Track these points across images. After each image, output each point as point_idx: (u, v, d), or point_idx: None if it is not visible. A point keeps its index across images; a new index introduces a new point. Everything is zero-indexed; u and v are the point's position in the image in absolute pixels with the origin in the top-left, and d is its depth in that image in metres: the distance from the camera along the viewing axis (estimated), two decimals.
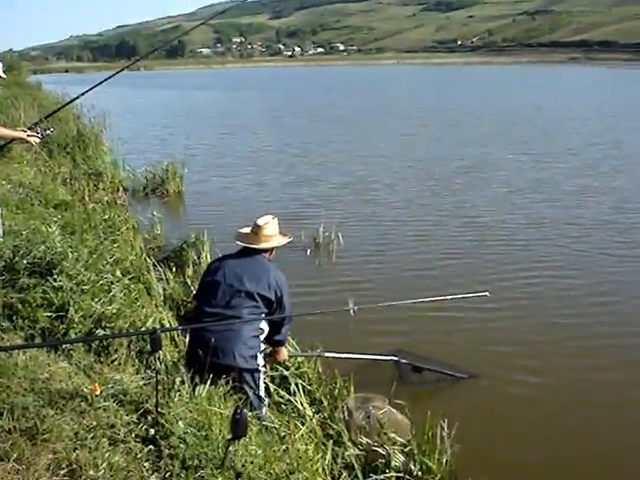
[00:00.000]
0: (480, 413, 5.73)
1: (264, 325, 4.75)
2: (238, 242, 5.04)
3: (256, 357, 4.64)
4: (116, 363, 4.90)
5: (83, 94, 8.06)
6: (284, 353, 5.24)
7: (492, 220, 12.04)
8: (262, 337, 4.74)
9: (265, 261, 4.94)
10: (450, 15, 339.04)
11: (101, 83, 7.36)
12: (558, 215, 12.36)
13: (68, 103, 8.79)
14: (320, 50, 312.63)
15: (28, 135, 6.69)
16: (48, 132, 7.47)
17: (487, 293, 5.32)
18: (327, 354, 5.88)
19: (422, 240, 10.88)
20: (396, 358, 6.34)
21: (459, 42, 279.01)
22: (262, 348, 4.77)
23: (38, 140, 6.83)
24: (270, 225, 4.97)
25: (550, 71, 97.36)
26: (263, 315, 4.70)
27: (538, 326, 7.52)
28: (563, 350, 6.97)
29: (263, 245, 4.93)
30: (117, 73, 7.97)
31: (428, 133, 24.37)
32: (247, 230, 5.05)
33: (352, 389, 5.49)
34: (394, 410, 5.26)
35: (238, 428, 2.85)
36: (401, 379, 6.18)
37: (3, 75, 6.95)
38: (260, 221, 4.97)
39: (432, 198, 13.66)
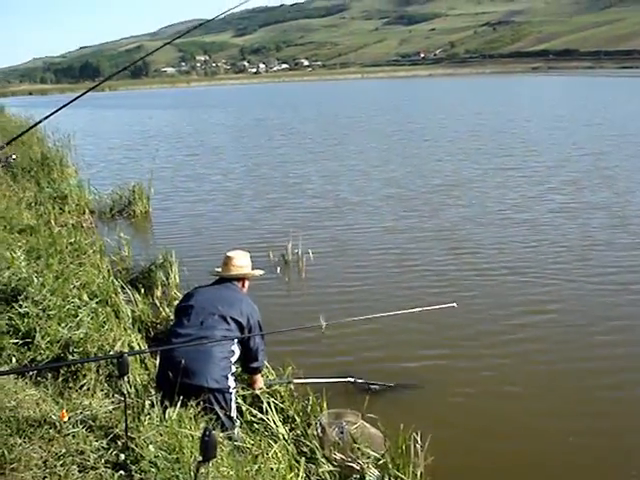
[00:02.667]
0: (452, 423, 5.73)
1: (235, 348, 4.80)
2: (212, 275, 5.33)
3: (227, 378, 4.64)
4: (85, 388, 4.84)
5: (46, 118, 7.97)
6: (260, 381, 5.35)
7: (467, 238, 11.61)
8: (233, 359, 4.77)
9: (238, 290, 5.14)
10: (412, 28, 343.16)
11: (65, 106, 7.29)
12: (545, 235, 11.61)
13: (30, 128, 8.68)
14: (285, 66, 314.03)
15: None
16: (10, 160, 7.49)
17: (455, 304, 5.35)
18: (296, 380, 5.94)
19: (393, 256, 10.75)
20: (352, 379, 6.35)
21: (422, 55, 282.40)
22: (233, 370, 4.78)
23: None
24: (240, 256, 5.27)
25: (514, 81, 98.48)
26: (235, 331, 4.77)
27: (504, 342, 7.45)
28: (526, 359, 6.98)
29: (233, 273, 5.17)
30: (81, 95, 7.90)
31: (401, 148, 24.01)
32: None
33: (325, 405, 5.48)
34: (367, 424, 5.26)
35: (208, 450, 2.84)
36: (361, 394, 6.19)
37: None
38: (230, 252, 5.30)
39: (405, 215, 13.42)
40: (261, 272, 5.49)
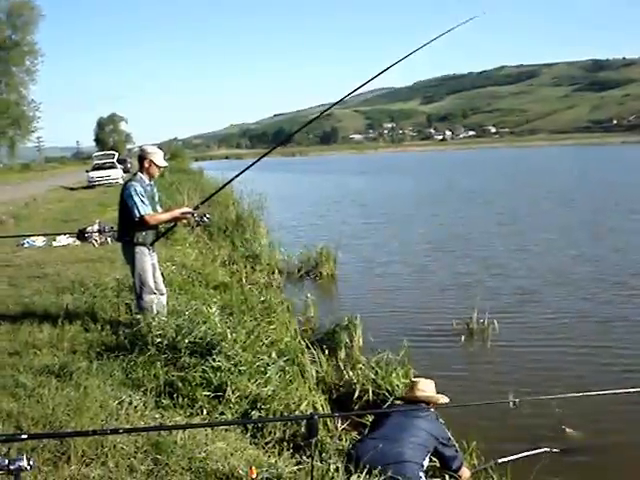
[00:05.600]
0: None
1: (427, 458, 5.06)
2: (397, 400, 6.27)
3: (419, 475, 4.83)
4: (270, 446, 4.91)
5: (233, 179, 8.60)
6: (466, 472, 5.37)
7: None
8: (425, 462, 4.99)
9: (425, 409, 5.45)
10: (604, 94, 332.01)
11: (245, 170, 7.89)
12: None
13: (218, 190, 9.30)
14: (471, 133, 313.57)
15: (182, 213, 7.26)
16: (205, 219, 7.95)
17: None
18: (500, 460, 5.79)
19: (586, 328, 10.14)
20: (548, 449, 6.16)
21: (615, 121, 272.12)
22: (425, 466, 4.99)
23: (189, 216, 7.50)
24: (424, 382, 5.70)
25: None
26: (426, 443, 5.05)
27: None
28: None
29: (418, 395, 5.53)
30: (263, 156, 8.49)
31: (605, 222, 21.67)
32: None
33: None
34: None
35: None
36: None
37: (165, 164, 7.49)
38: (415, 379, 5.90)
39: (601, 291, 12.41)
40: (446, 400, 5.66)
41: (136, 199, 7.01)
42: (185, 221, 7.73)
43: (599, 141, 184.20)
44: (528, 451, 6.09)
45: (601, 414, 6.96)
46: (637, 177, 42.86)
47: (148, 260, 7.20)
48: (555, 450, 6.14)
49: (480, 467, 5.73)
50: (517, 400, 5.13)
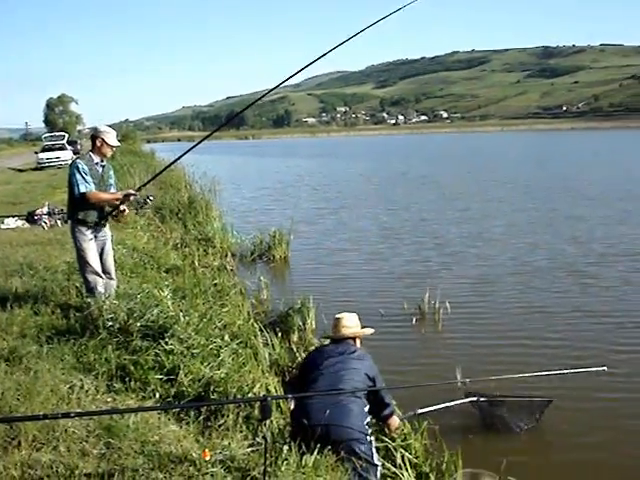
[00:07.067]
0: None
1: (365, 400, 4.95)
2: (324, 338, 6.23)
3: (366, 427, 4.73)
4: (223, 428, 4.93)
5: (177, 159, 8.43)
6: (396, 421, 5.36)
7: (622, 298, 10.90)
8: (366, 409, 4.88)
9: (355, 346, 5.42)
10: (555, 81, 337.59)
11: (188, 151, 7.78)
12: None
13: (163, 170, 9.08)
14: (423, 118, 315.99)
15: (124, 195, 7.16)
16: (148, 200, 7.91)
17: (605, 368, 5.12)
18: (420, 410, 5.90)
19: (536, 313, 10.27)
20: (475, 398, 6.32)
21: (564, 108, 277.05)
22: (368, 419, 4.87)
23: (132, 198, 7.37)
24: (348, 317, 5.61)
25: None
26: (364, 382, 4.96)
27: None
28: None
29: (344, 333, 5.47)
30: (209, 135, 8.51)
31: (556, 208, 21.62)
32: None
33: (460, 463, 5.30)
34: None
35: None
36: (484, 421, 6.27)
37: (117, 143, 7.42)
38: (339, 315, 5.68)
39: (549, 272, 12.72)
40: (372, 331, 5.76)
41: (78, 177, 6.94)
42: (128, 203, 7.63)
43: (549, 127, 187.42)
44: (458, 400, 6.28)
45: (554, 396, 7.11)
46: (588, 162, 43.68)
47: (88, 239, 7.11)
48: (482, 399, 6.30)
49: (401, 417, 5.73)
50: (467, 380, 5.24)
